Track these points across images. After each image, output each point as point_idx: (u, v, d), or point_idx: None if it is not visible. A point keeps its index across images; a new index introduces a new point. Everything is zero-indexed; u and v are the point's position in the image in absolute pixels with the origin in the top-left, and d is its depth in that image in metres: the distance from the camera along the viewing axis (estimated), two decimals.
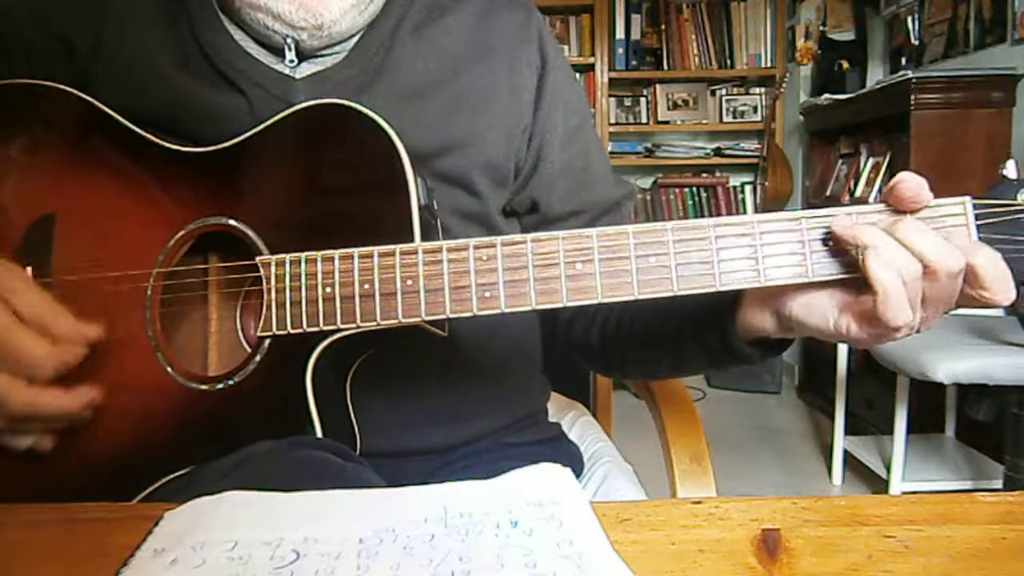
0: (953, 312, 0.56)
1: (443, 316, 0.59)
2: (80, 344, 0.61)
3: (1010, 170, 0.57)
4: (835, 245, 0.56)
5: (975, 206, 0.55)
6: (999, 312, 1.98)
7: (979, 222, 0.55)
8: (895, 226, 0.54)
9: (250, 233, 0.65)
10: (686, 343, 0.72)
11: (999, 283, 0.53)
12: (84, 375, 0.62)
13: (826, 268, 0.56)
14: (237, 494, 0.50)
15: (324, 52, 0.75)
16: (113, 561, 0.44)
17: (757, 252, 0.56)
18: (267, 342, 0.63)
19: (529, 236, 0.58)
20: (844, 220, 0.55)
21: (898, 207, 0.55)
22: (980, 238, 0.55)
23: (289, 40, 0.72)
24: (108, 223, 0.69)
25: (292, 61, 0.73)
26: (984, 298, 0.54)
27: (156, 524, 0.47)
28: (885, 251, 0.53)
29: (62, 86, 0.71)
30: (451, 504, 0.48)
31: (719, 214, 3.99)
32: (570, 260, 0.57)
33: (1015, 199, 0.55)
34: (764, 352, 0.67)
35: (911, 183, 0.54)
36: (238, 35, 0.75)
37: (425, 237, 0.62)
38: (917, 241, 0.53)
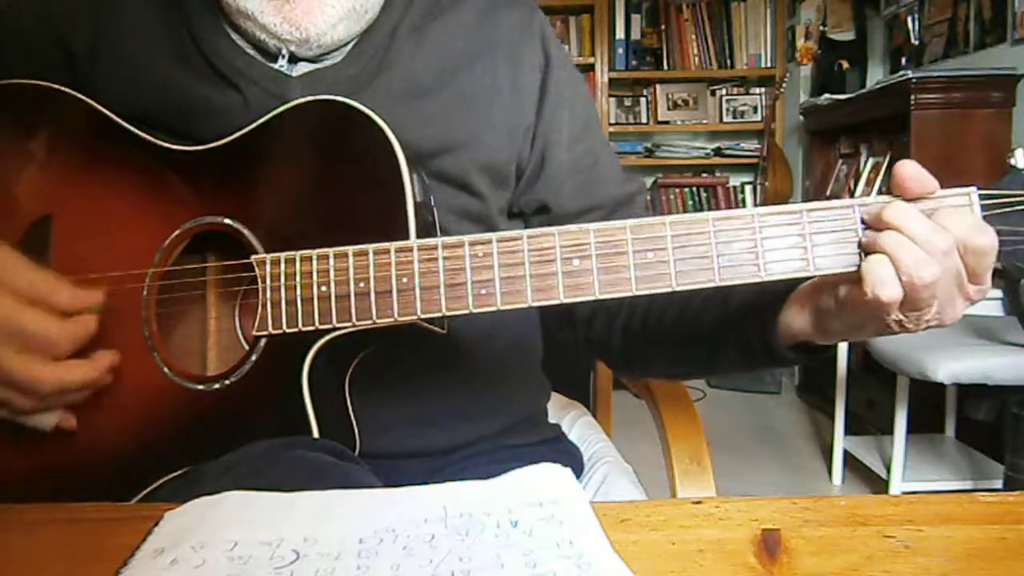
0: None
1: (439, 314, 0.58)
2: (87, 312, 0.62)
3: (1019, 159, 0.55)
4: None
5: (981, 196, 0.54)
6: (999, 312, 1.98)
7: (985, 213, 0.54)
8: (885, 208, 0.53)
9: (246, 232, 0.65)
10: (724, 343, 0.70)
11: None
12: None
13: (828, 262, 0.55)
14: (237, 494, 0.50)
15: (321, 57, 0.75)
16: (113, 561, 0.44)
17: (757, 246, 0.55)
18: (263, 341, 0.63)
19: (525, 232, 0.57)
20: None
21: (903, 193, 0.54)
22: None
23: (284, 50, 0.72)
24: (105, 223, 0.69)
25: (282, 67, 0.73)
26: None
27: (156, 524, 0.47)
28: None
29: (59, 86, 0.71)
30: (451, 504, 0.48)
31: None
32: (567, 256, 0.56)
33: (1023, 190, 0.54)
34: (804, 356, 0.65)
35: (909, 165, 0.53)
36: (235, 36, 0.75)
37: (423, 234, 0.61)
38: (911, 226, 0.51)
